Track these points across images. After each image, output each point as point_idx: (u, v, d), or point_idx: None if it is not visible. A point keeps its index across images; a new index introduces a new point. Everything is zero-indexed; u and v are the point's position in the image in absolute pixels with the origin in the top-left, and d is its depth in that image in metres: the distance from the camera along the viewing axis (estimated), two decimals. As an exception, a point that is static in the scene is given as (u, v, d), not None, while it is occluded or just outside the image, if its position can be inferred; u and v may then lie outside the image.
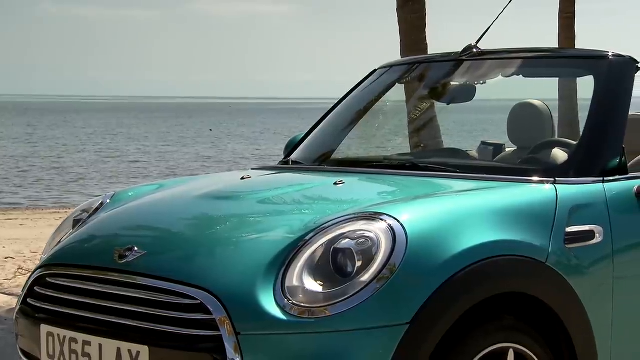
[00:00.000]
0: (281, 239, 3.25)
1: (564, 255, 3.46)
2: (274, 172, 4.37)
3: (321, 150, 4.57)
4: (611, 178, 3.76)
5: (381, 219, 3.21)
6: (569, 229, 3.51)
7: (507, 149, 4.76)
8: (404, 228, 3.17)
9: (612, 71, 4.06)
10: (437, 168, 4.00)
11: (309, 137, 4.72)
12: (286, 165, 4.53)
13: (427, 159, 4.21)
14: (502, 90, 4.50)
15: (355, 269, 3.10)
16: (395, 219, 3.20)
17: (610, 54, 4.13)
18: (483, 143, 5.00)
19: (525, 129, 4.70)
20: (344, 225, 3.22)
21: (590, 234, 3.56)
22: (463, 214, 3.35)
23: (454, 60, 4.58)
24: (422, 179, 3.92)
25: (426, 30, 15.57)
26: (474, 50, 4.48)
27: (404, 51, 15.73)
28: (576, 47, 21.94)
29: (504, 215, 3.40)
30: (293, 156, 4.60)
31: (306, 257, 3.15)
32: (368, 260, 3.11)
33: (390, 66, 4.81)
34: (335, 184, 3.77)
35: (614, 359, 3.63)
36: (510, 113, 4.85)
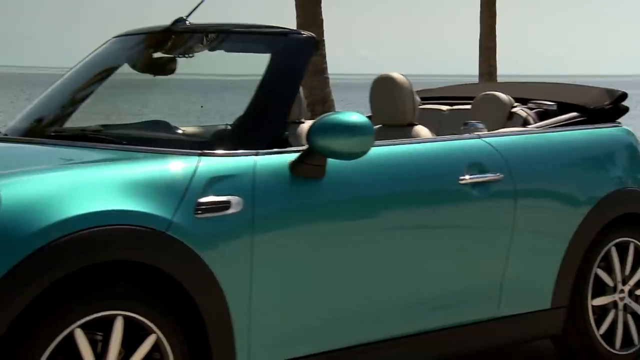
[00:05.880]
0: None
1: (190, 225, 3.48)
2: None
3: (26, 121, 4.53)
4: (267, 151, 3.77)
5: None
6: (201, 200, 3.54)
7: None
8: None
9: (287, 48, 4.07)
10: (106, 139, 4.00)
11: (25, 109, 4.70)
12: None
13: (108, 131, 4.17)
14: (201, 64, 4.49)
15: None
16: None
17: (289, 31, 4.13)
18: None
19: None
20: None
21: (225, 205, 3.58)
22: (76, 184, 3.37)
23: (173, 33, 4.55)
24: (77, 150, 3.92)
25: (321, 5, 15.60)
26: (186, 23, 4.48)
27: (299, 26, 15.83)
28: (496, 24, 22.09)
29: (126, 185, 3.42)
30: (6, 128, 4.58)
31: None
32: None
33: (119, 36, 4.78)
34: None
35: (253, 328, 3.65)
36: None
